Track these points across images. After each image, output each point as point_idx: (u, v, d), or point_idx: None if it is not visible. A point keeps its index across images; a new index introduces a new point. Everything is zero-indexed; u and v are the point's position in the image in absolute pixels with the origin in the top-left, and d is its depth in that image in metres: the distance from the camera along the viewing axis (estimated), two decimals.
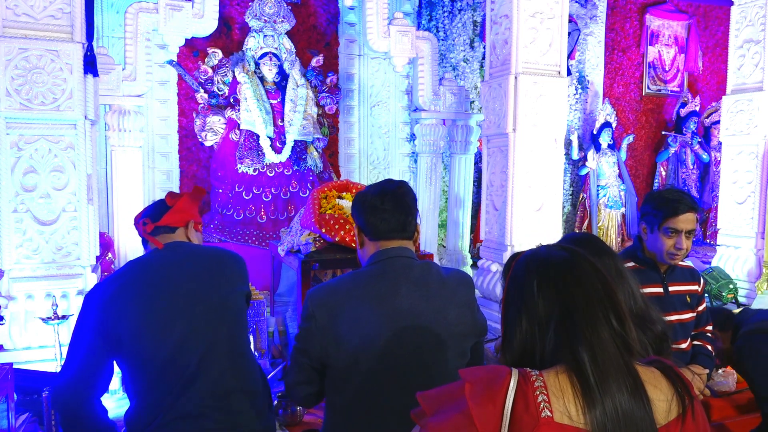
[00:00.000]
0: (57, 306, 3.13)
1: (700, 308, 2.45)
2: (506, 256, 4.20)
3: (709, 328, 2.50)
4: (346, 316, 1.56)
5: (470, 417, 0.91)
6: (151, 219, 1.96)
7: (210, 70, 5.18)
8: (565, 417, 0.91)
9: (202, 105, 5.20)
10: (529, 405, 0.91)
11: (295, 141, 5.21)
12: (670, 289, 2.34)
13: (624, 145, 7.31)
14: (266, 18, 5.21)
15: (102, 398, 1.79)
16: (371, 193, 1.69)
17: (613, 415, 0.91)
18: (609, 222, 7.15)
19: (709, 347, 2.43)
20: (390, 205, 1.65)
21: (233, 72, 5.21)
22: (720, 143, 5.57)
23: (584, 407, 0.92)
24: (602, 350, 0.95)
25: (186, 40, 4.78)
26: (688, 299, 2.39)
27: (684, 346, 2.39)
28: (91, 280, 3.46)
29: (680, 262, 2.38)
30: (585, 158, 7.25)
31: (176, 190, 5.64)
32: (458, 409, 0.93)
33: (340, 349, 1.56)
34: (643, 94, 7.92)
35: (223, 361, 1.73)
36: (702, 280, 2.48)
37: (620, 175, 7.31)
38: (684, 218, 2.22)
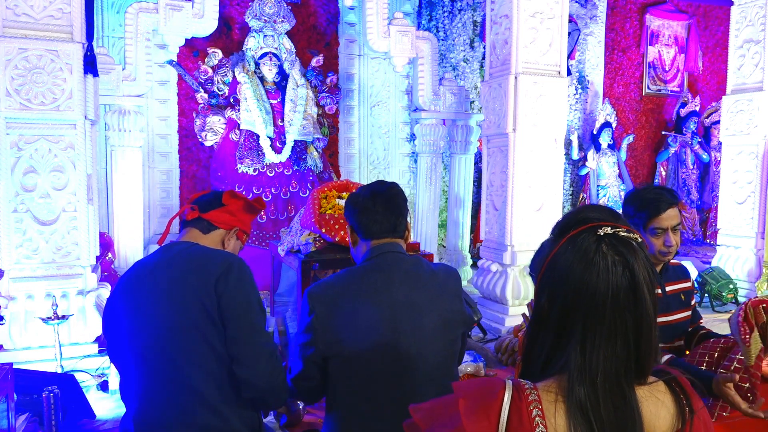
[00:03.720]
0: (57, 306, 3.13)
1: (692, 303, 2.47)
2: (506, 256, 4.20)
3: (702, 323, 2.51)
4: (344, 309, 1.64)
5: None
6: (200, 208, 1.82)
7: (210, 70, 5.18)
8: None
9: (202, 105, 5.20)
10: (523, 420, 0.90)
11: (295, 141, 5.21)
12: (667, 289, 2.34)
13: (624, 145, 7.31)
14: (266, 18, 5.20)
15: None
16: (362, 195, 1.77)
17: None
18: None
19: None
20: (381, 207, 1.74)
21: (233, 72, 5.21)
22: (720, 143, 5.58)
23: (574, 425, 0.90)
24: (602, 371, 0.92)
25: (186, 40, 4.79)
26: (683, 297, 2.39)
27: (678, 344, 2.40)
28: (91, 280, 3.47)
29: (671, 261, 2.39)
30: (585, 158, 7.25)
31: (176, 190, 5.65)
32: (452, 426, 0.92)
33: (342, 340, 1.63)
34: (643, 94, 7.92)
35: (195, 362, 1.65)
36: (691, 276, 2.49)
37: (620, 175, 7.31)
38: (667, 215, 2.20)
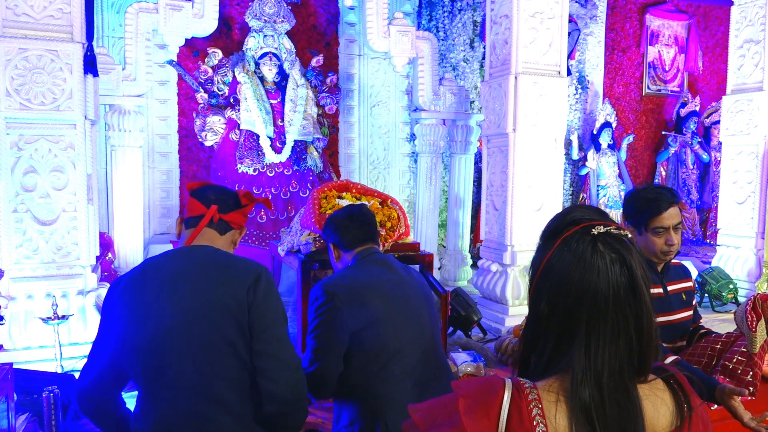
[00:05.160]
0: (57, 306, 3.13)
1: (694, 303, 2.47)
2: (506, 256, 4.20)
3: (702, 323, 2.51)
4: (362, 288, 1.94)
5: None
6: (219, 209, 1.79)
7: (210, 70, 5.18)
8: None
9: (202, 105, 5.20)
10: (524, 419, 0.89)
11: (295, 141, 5.21)
12: (669, 288, 2.34)
13: (624, 145, 7.31)
14: (266, 18, 5.20)
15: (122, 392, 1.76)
16: (341, 216, 2.12)
17: None
18: None
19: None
20: (359, 222, 2.10)
21: (233, 72, 5.21)
22: (720, 143, 5.58)
23: (575, 425, 0.90)
24: (605, 370, 0.92)
25: (186, 40, 4.79)
26: (684, 297, 2.39)
27: (680, 344, 2.39)
28: (91, 280, 3.47)
29: (671, 261, 2.39)
30: (585, 158, 7.25)
31: (176, 190, 5.64)
32: (452, 425, 0.91)
33: (370, 310, 1.90)
34: (643, 94, 7.92)
35: (205, 369, 1.62)
36: (692, 276, 2.49)
37: (620, 175, 7.31)
38: (668, 214, 2.21)
